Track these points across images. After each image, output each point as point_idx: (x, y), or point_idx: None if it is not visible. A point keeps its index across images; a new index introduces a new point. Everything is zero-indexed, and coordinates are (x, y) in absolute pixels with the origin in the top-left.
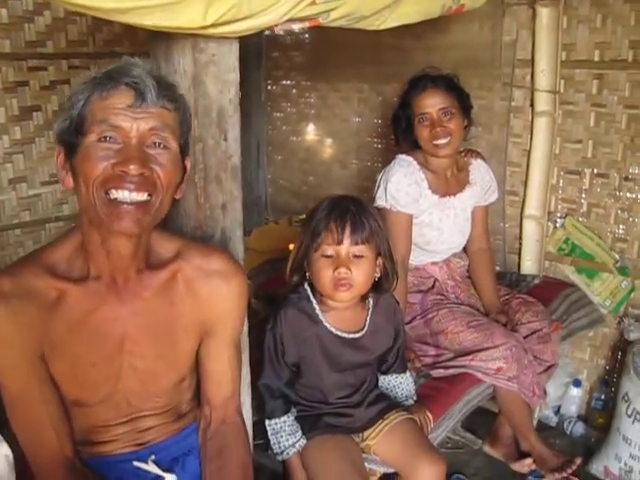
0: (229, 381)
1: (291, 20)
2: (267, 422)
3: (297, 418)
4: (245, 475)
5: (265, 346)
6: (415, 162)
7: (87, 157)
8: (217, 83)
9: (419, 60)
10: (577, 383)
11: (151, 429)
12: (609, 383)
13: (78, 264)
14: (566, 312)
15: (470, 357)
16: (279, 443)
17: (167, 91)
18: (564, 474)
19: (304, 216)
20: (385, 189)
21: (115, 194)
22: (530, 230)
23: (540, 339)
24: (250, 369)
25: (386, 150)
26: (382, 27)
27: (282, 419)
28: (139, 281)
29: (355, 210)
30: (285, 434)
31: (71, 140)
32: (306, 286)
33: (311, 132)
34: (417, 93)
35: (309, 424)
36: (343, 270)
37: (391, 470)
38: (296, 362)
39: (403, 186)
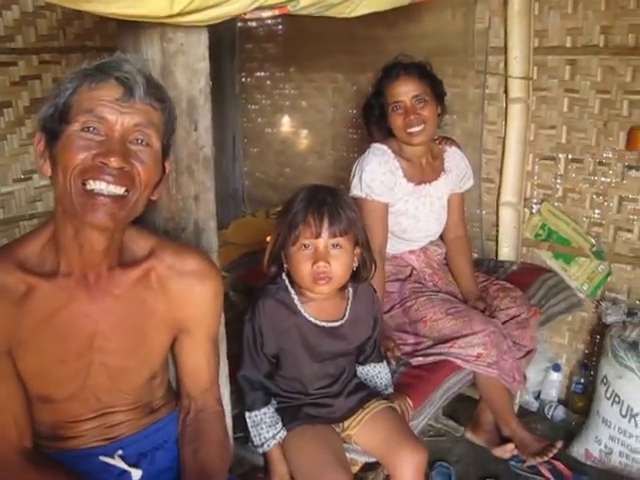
0: (207, 375)
1: (260, 8)
2: (247, 414)
3: (277, 410)
4: (222, 455)
5: (244, 338)
6: (389, 150)
7: (68, 145)
8: (186, 73)
9: (393, 49)
10: (557, 368)
11: (121, 424)
12: (588, 367)
13: (49, 258)
14: (544, 297)
15: (449, 344)
16: (259, 435)
17: (155, 90)
18: (545, 458)
19: (281, 208)
20: (360, 178)
21: (92, 185)
22: (507, 217)
23: (519, 324)
24: (229, 361)
25: (362, 140)
26: (352, 15)
27: (262, 411)
28: (110, 278)
29: (332, 202)
30: (265, 426)
31: (54, 127)
32: (284, 277)
33: (286, 123)
34: (390, 81)
35: (289, 415)
36: (322, 264)
37: (372, 459)
38: (275, 353)
39: (378, 175)
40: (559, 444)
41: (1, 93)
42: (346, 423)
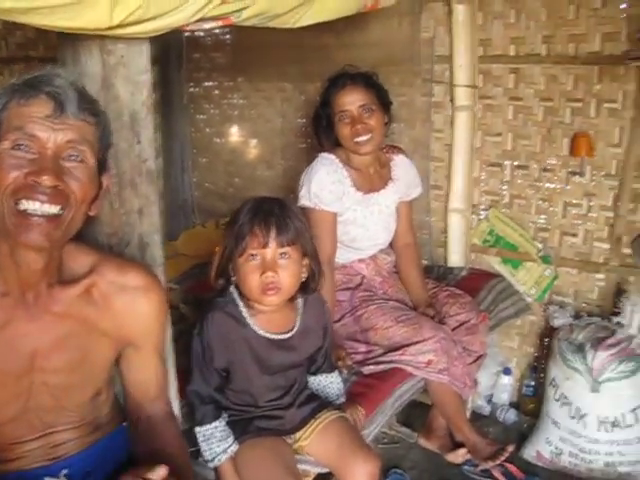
0: (156, 387)
1: (202, 20)
2: (197, 429)
3: (228, 423)
4: (182, 447)
5: (193, 352)
6: (337, 160)
7: None
8: (128, 85)
9: (341, 58)
10: (507, 371)
11: (65, 443)
12: (538, 369)
13: None
14: (493, 302)
15: (400, 352)
16: (210, 450)
17: (89, 104)
18: (497, 462)
19: (228, 220)
20: (308, 188)
21: (25, 205)
22: (455, 223)
23: (468, 330)
24: (181, 376)
25: (311, 149)
26: (297, 25)
27: (213, 425)
28: (50, 296)
29: (279, 212)
30: (216, 440)
31: None
32: (232, 289)
33: (235, 133)
34: (337, 91)
35: (240, 428)
36: (270, 274)
37: (325, 470)
38: (225, 367)
39: (326, 184)
40: (510, 448)
41: None
42: (298, 434)
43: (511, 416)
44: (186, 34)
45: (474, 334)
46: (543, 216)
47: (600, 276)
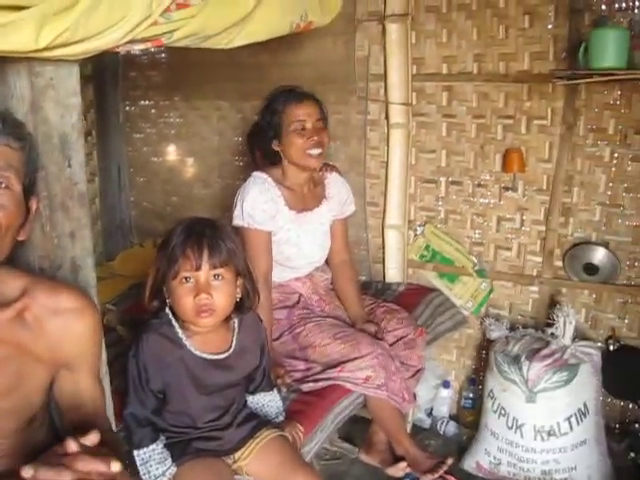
0: (93, 409)
1: (132, 42)
2: (135, 452)
3: (166, 445)
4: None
5: (129, 374)
6: (270, 179)
7: None
8: (57, 108)
9: (276, 77)
10: (446, 384)
11: None
12: (476, 381)
13: None
14: (431, 316)
15: (338, 369)
16: (149, 473)
17: (12, 129)
18: (437, 475)
19: (159, 243)
20: (242, 208)
21: None
22: (392, 239)
23: (406, 345)
24: (118, 397)
25: (248, 167)
26: (230, 46)
27: (150, 447)
28: None
29: (211, 234)
30: (154, 463)
31: None
32: (167, 310)
33: (172, 152)
34: (294, 102)
35: (178, 450)
36: (204, 296)
37: None
38: (161, 389)
39: (259, 203)
40: (449, 460)
41: None
42: (237, 454)
43: (451, 428)
44: (122, 52)
45: (412, 348)
46: (478, 231)
47: (534, 288)
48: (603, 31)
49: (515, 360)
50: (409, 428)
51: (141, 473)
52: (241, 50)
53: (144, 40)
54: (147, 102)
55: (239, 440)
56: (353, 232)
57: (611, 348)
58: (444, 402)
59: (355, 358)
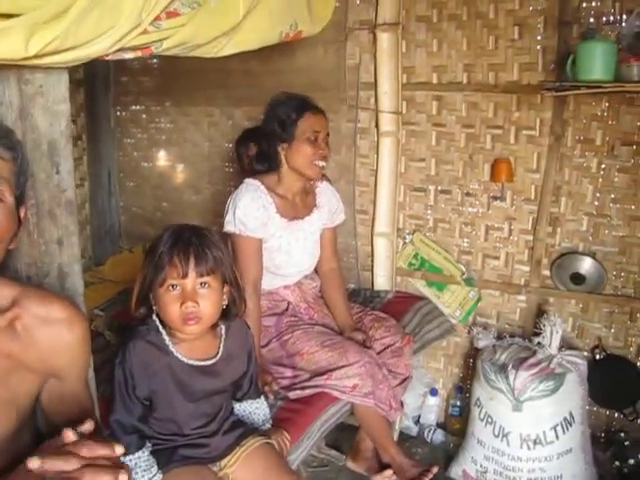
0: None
1: (122, 50)
2: (121, 459)
3: (152, 452)
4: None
5: (115, 381)
6: (263, 186)
7: None
8: (46, 115)
9: (267, 84)
10: (434, 392)
11: None
12: (464, 390)
13: None
14: (419, 324)
15: (326, 376)
16: None
17: (3, 139)
18: None
19: (147, 250)
20: (233, 214)
21: None
22: (381, 247)
23: (393, 353)
24: (105, 404)
25: (238, 173)
26: (219, 55)
27: (137, 455)
28: None
29: (198, 241)
30: (140, 470)
31: None
32: (154, 317)
33: (163, 158)
34: (313, 111)
35: (165, 458)
36: (190, 304)
37: None
38: (148, 396)
39: (251, 210)
40: (435, 469)
41: None
42: (223, 462)
43: (438, 436)
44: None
45: (399, 357)
46: (466, 240)
47: (521, 297)
48: (591, 44)
49: (502, 369)
50: (396, 436)
51: None
52: (232, 57)
53: (134, 48)
54: (138, 107)
55: (225, 447)
56: (342, 239)
57: (597, 357)
58: (431, 410)
59: (343, 366)
